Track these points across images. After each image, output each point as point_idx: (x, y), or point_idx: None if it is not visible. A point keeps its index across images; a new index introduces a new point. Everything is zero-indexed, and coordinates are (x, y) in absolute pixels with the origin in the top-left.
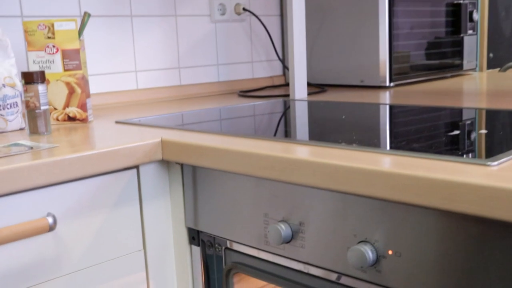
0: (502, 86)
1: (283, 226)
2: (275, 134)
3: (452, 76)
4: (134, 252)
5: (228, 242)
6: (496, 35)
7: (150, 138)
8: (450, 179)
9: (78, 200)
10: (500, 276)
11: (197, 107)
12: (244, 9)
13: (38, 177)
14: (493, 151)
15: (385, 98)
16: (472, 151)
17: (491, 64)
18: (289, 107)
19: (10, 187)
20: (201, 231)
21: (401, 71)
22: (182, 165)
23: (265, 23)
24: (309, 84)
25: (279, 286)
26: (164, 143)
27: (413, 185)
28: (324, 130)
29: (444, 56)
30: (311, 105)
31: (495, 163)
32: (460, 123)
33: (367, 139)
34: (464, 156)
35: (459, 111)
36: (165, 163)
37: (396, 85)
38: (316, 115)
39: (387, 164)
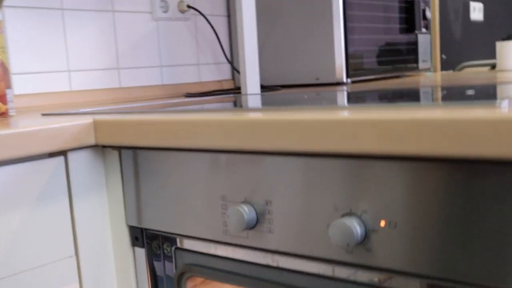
0: (458, 79)
1: (245, 208)
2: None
3: (408, 76)
4: (64, 259)
5: (178, 239)
6: (447, 37)
7: (81, 120)
8: (459, 117)
9: None
10: None
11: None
12: (188, 6)
13: None
14: (492, 99)
15: (345, 89)
16: (470, 99)
17: (444, 66)
18: (241, 101)
19: None
20: (145, 229)
21: (357, 68)
22: (120, 151)
23: (211, 23)
24: (261, 87)
25: (244, 287)
26: (97, 124)
27: (411, 130)
28: (286, 103)
29: (399, 55)
30: (266, 97)
31: (505, 103)
32: (438, 89)
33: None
34: (465, 101)
35: (428, 88)
36: (99, 149)
37: (353, 82)
38: (274, 100)
39: (374, 113)
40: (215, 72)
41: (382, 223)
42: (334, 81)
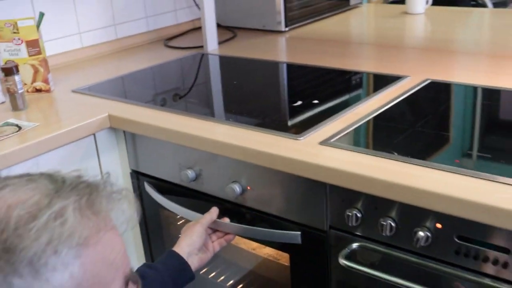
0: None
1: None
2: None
3: (341, 12)
4: None
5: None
6: None
7: (99, 113)
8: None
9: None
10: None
11: (131, 64)
12: None
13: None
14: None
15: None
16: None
17: None
18: (202, 62)
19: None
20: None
21: (295, 16)
22: (124, 132)
23: None
24: (219, 26)
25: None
26: (110, 117)
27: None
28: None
29: None
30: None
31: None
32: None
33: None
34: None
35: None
36: (112, 130)
37: (291, 29)
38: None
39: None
40: (188, 14)
41: (248, 188)
42: (276, 29)
